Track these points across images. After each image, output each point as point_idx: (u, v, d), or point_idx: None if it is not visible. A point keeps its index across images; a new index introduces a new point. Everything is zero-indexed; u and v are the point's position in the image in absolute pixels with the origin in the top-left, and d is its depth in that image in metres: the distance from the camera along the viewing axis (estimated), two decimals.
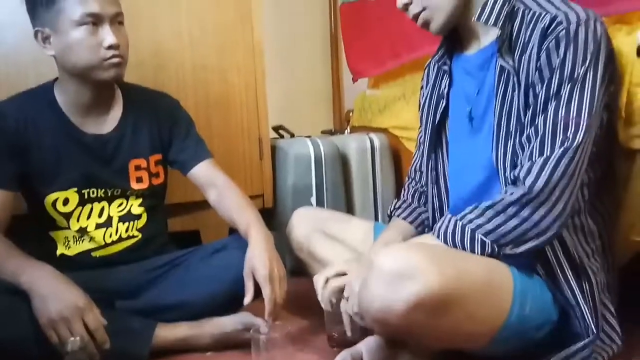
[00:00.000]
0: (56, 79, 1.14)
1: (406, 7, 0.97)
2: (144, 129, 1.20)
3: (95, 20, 1.02)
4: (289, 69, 2.32)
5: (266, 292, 1.01)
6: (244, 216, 1.14)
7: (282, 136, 1.98)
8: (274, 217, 1.75)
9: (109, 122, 1.16)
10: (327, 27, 2.41)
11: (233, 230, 1.21)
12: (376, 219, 1.82)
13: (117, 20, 1.07)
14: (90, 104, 1.12)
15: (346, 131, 2.17)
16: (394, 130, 1.84)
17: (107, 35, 1.03)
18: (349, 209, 1.79)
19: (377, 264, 0.75)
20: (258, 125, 1.71)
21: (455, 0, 0.93)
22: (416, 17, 0.96)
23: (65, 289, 0.92)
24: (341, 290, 0.96)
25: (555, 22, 0.83)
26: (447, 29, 0.98)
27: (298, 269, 1.29)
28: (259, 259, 1.03)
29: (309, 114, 2.39)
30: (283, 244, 1.23)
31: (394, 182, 1.86)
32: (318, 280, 1.00)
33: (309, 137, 1.83)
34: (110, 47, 1.03)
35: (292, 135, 1.95)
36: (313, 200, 1.70)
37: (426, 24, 0.97)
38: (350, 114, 2.28)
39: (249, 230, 1.10)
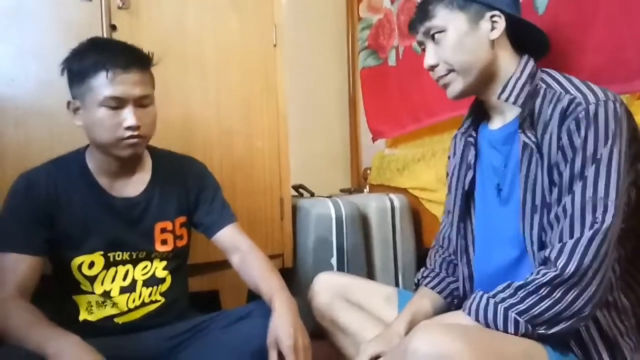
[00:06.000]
0: (89, 144, 1.17)
1: (432, 68, 1.00)
2: (172, 192, 1.22)
3: (118, 104, 1.05)
4: (308, 129, 2.38)
5: None
6: (268, 283, 1.13)
7: (301, 195, 1.99)
8: (294, 277, 1.74)
9: (137, 185, 1.19)
10: (346, 88, 2.49)
11: (252, 292, 1.20)
12: (396, 278, 1.81)
13: (142, 102, 1.08)
14: (118, 170, 1.15)
15: (365, 190, 2.19)
16: (414, 191, 1.86)
17: (128, 117, 1.05)
18: (369, 270, 1.78)
19: (413, 348, 0.74)
20: (280, 186, 1.74)
21: (480, 69, 0.96)
22: (440, 78, 1.00)
23: None
24: None
25: (574, 103, 0.85)
26: (464, 95, 1.00)
27: (319, 332, 1.27)
28: (284, 329, 1.02)
29: (327, 172, 2.42)
30: (303, 306, 1.21)
31: (414, 242, 1.85)
32: None
33: (329, 197, 1.85)
34: (129, 128, 1.06)
35: (312, 195, 1.97)
36: (334, 261, 1.69)
37: (446, 86, 1.00)
38: (368, 172, 2.30)
39: (273, 299, 1.08)
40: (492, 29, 0.95)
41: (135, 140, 1.07)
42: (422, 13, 0.98)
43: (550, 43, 1.04)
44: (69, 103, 1.10)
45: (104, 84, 1.03)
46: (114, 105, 1.04)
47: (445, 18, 0.95)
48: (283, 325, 1.02)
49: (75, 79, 1.07)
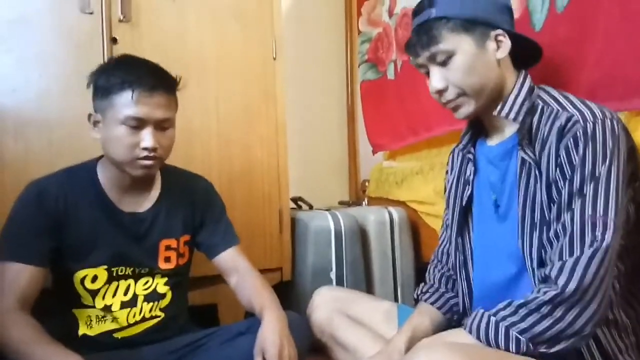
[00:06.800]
0: (101, 156, 1.17)
1: (440, 92, 0.97)
2: (179, 210, 1.22)
3: (138, 124, 1.05)
4: (307, 142, 2.39)
5: None
6: (260, 298, 1.14)
7: (300, 207, 1.99)
8: (292, 291, 1.73)
9: (146, 201, 1.18)
10: (345, 101, 2.50)
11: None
12: (395, 293, 1.80)
13: (162, 125, 1.08)
14: (129, 185, 1.15)
15: (364, 202, 2.19)
16: (412, 204, 1.86)
17: (146, 138, 1.05)
18: (368, 283, 1.78)
19: None
20: (279, 197, 1.74)
21: (490, 89, 0.95)
22: (449, 102, 0.97)
23: None
24: None
25: (572, 121, 0.85)
26: (474, 115, 1.00)
27: (318, 347, 1.26)
28: (270, 338, 1.03)
29: (325, 185, 2.42)
30: (302, 321, 1.20)
31: (413, 255, 1.85)
32: None
33: (328, 209, 1.84)
34: (145, 149, 1.06)
35: (311, 207, 1.97)
36: (332, 275, 1.69)
37: (457, 108, 0.98)
38: (366, 184, 2.30)
39: (263, 312, 1.10)
40: (498, 48, 0.95)
41: (150, 162, 1.08)
42: (426, 37, 0.94)
43: (542, 55, 1.04)
44: (90, 115, 1.10)
45: (127, 104, 1.04)
46: (134, 125, 1.05)
47: (452, 41, 0.93)
48: (269, 335, 1.04)
49: (100, 94, 1.07)
